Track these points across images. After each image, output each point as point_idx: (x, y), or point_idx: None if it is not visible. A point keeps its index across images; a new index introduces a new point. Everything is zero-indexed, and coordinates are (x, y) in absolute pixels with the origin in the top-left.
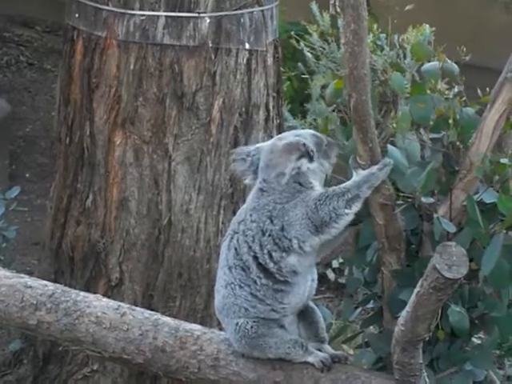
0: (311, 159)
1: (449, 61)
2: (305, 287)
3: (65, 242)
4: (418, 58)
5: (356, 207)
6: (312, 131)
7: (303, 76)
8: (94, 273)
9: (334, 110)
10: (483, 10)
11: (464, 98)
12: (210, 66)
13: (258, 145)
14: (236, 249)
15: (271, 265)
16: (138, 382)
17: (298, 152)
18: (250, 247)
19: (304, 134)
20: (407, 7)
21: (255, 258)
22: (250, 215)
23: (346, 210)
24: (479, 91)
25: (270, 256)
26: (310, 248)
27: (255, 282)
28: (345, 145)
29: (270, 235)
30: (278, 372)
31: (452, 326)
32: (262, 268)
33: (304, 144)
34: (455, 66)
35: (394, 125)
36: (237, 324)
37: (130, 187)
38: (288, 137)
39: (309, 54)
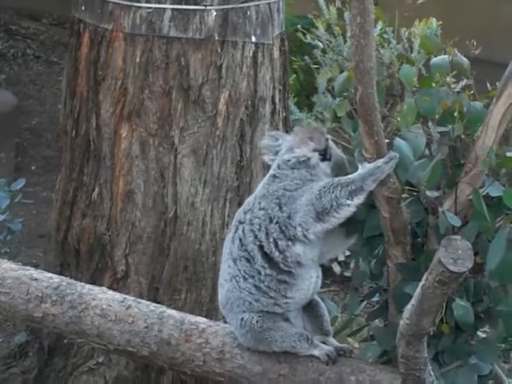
0: (325, 159)
1: (459, 54)
2: (309, 283)
3: (71, 234)
4: (427, 52)
5: (358, 200)
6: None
7: (310, 68)
8: (99, 265)
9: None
10: (492, 4)
11: (472, 92)
12: (217, 59)
13: None
14: (241, 239)
15: (276, 254)
16: (143, 375)
17: (316, 143)
18: (255, 236)
19: (334, 146)
20: (420, 0)
21: (260, 247)
22: (259, 203)
23: (348, 201)
24: (488, 85)
25: (276, 245)
26: (314, 236)
27: (259, 272)
28: (352, 137)
29: (277, 222)
30: (283, 365)
31: (457, 320)
32: (267, 258)
33: (327, 139)
34: (465, 60)
35: (399, 118)
36: (242, 319)
37: (136, 180)
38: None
39: (319, 44)
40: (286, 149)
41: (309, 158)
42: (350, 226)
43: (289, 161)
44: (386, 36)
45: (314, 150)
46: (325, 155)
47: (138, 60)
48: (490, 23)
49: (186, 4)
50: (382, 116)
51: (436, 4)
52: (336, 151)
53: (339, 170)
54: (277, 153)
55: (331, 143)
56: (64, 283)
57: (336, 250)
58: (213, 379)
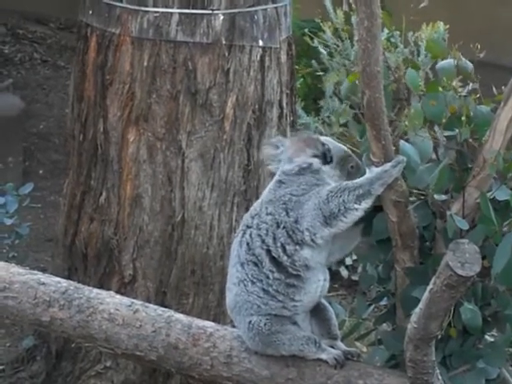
0: (326, 162)
1: (463, 58)
2: (317, 286)
3: (78, 238)
4: (433, 56)
5: (366, 204)
6: (345, 148)
7: (317, 73)
8: (107, 270)
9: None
10: (498, 7)
11: (478, 95)
12: (224, 63)
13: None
14: (248, 244)
15: (284, 258)
16: (150, 379)
17: (313, 148)
18: (263, 241)
19: (333, 142)
20: (422, 4)
21: (268, 251)
22: (266, 208)
23: (356, 205)
24: (494, 89)
25: (284, 249)
26: (322, 240)
27: (267, 276)
28: (359, 142)
29: (284, 227)
30: (291, 369)
31: (465, 324)
32: (275, 262)
33: (323, 144)
34: (469, 64)
35: (406, 122)
36: (250, 322)
37: (144, 184)
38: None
39: (323, 51)
40: (285, 160)
41: (310, 164)
42: (357, 229)
43: (291, 171)
44: (393, 40)
45: (313, 156)
46: (325, 159)
47: (145, 64)
48: (496, 26)
49: (193, 8)
50: (389, 120)
51: (442, 8)
52: (336, 146)
53: (345, 162)
54: (280, 161)
55: (330, 145)
56: (72, 287)
57: (344, 251)
58: (220, 383)
